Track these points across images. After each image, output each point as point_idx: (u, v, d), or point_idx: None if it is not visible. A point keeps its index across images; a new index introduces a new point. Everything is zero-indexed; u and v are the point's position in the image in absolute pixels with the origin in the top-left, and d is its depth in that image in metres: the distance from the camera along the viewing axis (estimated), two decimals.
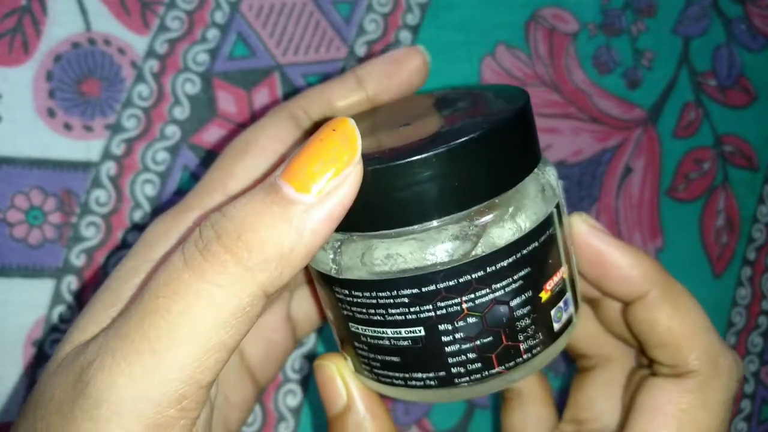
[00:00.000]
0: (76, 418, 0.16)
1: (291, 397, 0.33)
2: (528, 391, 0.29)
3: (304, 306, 0.27)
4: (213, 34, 0.33)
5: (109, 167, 0.31)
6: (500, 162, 0.20)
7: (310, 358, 0.34)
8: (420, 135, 0.21)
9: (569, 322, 0.23)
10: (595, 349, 0.27)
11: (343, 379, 0.23)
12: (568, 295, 0.23)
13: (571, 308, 0.23)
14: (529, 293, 0.21)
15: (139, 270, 0.20)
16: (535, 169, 0.21)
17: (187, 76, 0.32)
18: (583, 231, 0.24)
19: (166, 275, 0.16)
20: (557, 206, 0.22)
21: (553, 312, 0.22)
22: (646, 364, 0.26)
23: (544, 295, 0.21)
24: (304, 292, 0.27)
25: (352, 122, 0.17)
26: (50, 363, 0.19)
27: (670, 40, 0.40)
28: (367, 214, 0.19)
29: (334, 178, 0.16)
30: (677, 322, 0.23)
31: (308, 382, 0.34)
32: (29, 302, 0.30)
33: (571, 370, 0.37)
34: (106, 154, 0.31)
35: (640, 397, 0.24)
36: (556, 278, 0.22)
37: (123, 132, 0.31)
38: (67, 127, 0.31)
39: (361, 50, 0.35)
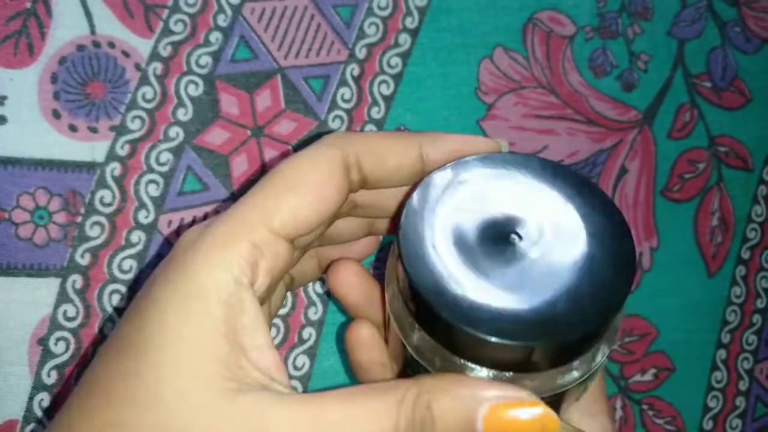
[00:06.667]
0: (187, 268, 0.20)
1: None
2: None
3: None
4: (216, 37, 0.33)
5: (114, 168, 0.32)
6: None
7: (311, 356, 0.34)
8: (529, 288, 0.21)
9: None
10: None
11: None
12: None
13: None
14: None
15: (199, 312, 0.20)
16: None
17: (190, 78, 0.33)
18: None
19: None
20: None
21: None
22: None
23: None
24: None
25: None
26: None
27: (665, 43, 0.41)
28: None
29: None
30: None
31: (309, 380, 0.34)
32: (34, 301, 0.30)
33: None
34: (111, 155, 0.32)
35: None
36: None
37: (127, 133, 0.32)
38: (72, 128, 0.31)
39: (361, 53, 0.35)
